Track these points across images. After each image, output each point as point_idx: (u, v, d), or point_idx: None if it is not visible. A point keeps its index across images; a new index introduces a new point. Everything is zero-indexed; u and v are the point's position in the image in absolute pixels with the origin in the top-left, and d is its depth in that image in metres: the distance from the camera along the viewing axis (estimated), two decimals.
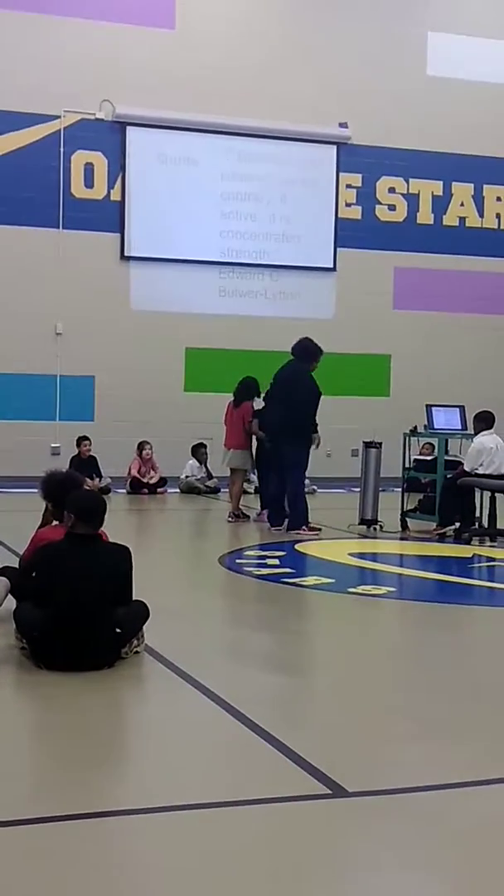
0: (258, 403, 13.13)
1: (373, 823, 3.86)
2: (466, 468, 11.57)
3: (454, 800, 4.09)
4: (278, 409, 11.93)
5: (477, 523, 11.85)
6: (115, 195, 17.95)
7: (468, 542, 11.33)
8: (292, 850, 3.60)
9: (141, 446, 16.35)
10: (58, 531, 6.32)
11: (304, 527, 11.59)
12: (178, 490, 16.28)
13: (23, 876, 3.36)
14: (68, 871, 3.40)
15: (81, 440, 16.26)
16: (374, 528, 11.93)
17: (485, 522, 11.68)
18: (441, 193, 19.68)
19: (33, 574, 6.09)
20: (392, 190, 19.41)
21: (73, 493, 6.20)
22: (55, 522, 6.71)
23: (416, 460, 12.98)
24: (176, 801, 3.98)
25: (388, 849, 3.65)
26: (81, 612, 5.68)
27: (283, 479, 11.94)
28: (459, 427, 12.60)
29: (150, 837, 3.69)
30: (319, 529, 11.72)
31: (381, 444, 12.20)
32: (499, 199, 20.04)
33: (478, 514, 11.89)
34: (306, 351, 12.06)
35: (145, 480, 16.12)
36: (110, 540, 6.26)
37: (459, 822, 3.88)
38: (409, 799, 4.08)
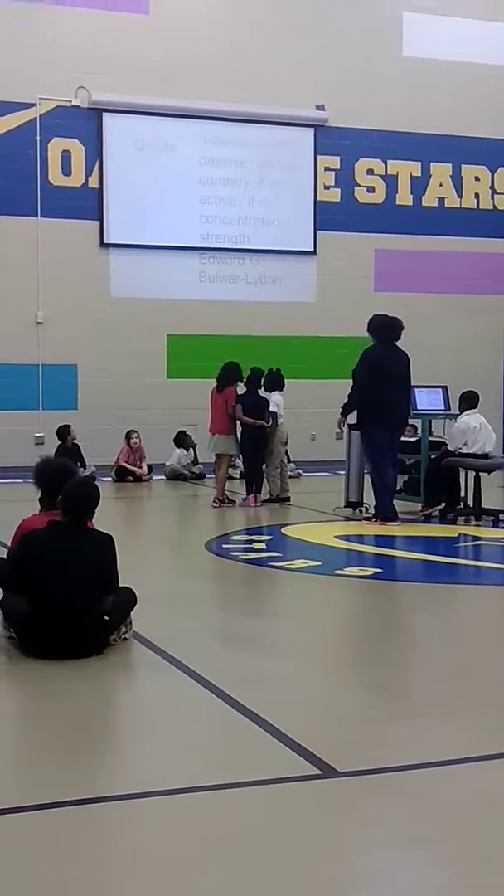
0: (241, 388, 13.11)
1: (364, 803, 3.87)
2: (450, 448, 11.60)
3: (445, 777, 4.11)
4: (407, 398, 11.45)
5: (462, 503, 11.89)
6: (93, 182, 17.88)
7: (454, 522, 11.37)
8: (284, 832, 3.61)
9: (129, 435, 16.28)
10: (42, 519, 6.30)
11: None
12: (163, 477, 16.26)
13: (14, 864, 3.36)
14: (60, 858, 3.40)
15: (65, 429, 16.19)
16: (360, 511, 11.94)
17: (469, 502, 11.72)
18: (419, 174, 19.67)
19: (18, 563, 6.07)
20: (370, 172, 19.39)
21: (67, 483, 6.14)
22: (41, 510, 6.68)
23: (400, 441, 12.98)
24: (167, 785, 3.98)
25: (381, 828, 3.66)
26: (68, 600, 5.68)
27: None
28: (443, 408, 12.63)
29: (143, 822, 3.69)
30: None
31: None
32: (477, 178, 20.05)
33: (462, 493, 11.94)
34: (397, 329, 11.55)
35: (135, 470, 16.05)
36: (95, 528, 6.25)
37: (451, 799, 3.89)
38: (400, 778, 4.10)
